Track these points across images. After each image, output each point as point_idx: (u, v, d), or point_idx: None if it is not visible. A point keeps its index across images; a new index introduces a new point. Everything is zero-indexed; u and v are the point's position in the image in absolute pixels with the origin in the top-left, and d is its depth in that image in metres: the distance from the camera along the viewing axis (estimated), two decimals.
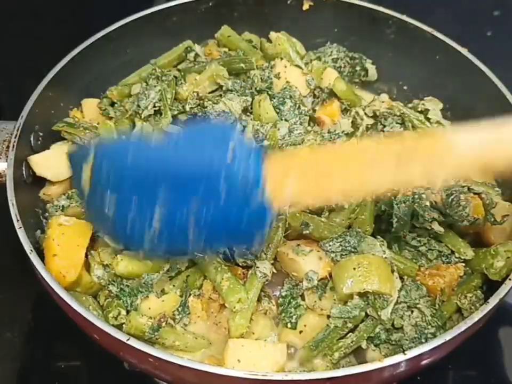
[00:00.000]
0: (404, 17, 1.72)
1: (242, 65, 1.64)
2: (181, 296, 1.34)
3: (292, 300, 1.35)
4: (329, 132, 1.58)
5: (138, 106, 1.58)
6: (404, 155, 1.05)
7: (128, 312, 1.30)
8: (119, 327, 1.24)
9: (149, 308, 1.32)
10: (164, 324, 1.26)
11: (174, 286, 1.35)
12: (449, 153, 1.04)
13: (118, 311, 1.29)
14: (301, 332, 1.33)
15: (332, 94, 1.66)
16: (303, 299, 1.36)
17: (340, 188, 1.09)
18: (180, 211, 1.14)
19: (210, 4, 1.78)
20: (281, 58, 1.66)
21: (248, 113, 1.59)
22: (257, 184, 1.09)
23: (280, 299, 1.36)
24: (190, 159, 1.14)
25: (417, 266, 1.36)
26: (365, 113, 1.62)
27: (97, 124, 1.61)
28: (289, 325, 1.33)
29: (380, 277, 1.25)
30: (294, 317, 1.33)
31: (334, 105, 1.65)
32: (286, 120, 1.57)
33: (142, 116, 1.58)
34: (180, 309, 1.32)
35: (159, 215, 1.15)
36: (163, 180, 1.14)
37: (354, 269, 1.26)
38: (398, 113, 1.58)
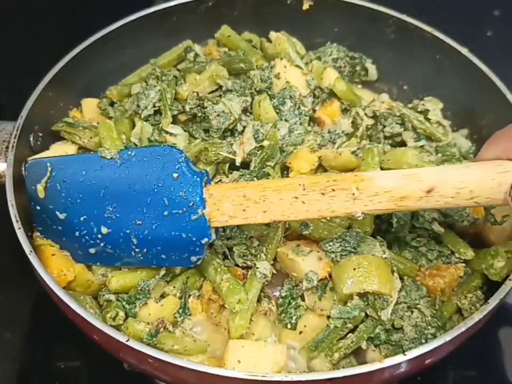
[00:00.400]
0: (404, 17, 1.72)
1: (242, 65, 1.63)
2: (180, 298, 1.34)
3: (291, 301, 1.35)
4: (329, 132, 1.58)
5: (138, 106, 1.58)
6: (329, 186, 1.15)
7: (127, 316, 1.31)
8: (117, 328, 1.24)
9: (149, 314, 1.32)
10: (161, 329, 1.26)
11: (174, 287, 1.35)
12: (369, 185, 1.14)
13: (116, 312, 1.29)
14: (300, 332, 1.33)
15: (332, 94, 1.66)
16: (303, 300, 1.36)
17: (270, 215, 1.18)
18: (126, 225, 1.24)
19: (210, 4, 1.78)
20: (281, 58, 1.66)
21: (248, 114, 1.59)
22: (198, 205, 1.19)
23: (280, 300, 1.36)
24: (138, 178, 1.23)
25: (417, 267, 1.36)
26: (365, 114, 1.62)
27: (97, 123, 1.61)
28: (289, 326, 1.33)
29: (380, 278, 1.25)
30: (294, 317, 1.33)
31: (334, 105, 1.65)
32: (286, 120, 1.57)
33: (142, 116, 1.58)
34: (180, 311, 1.32)
35: (107, 229, 1.25)
36: (111, 198, 1.24)
37: (354, 269, 1.26)
38: (398, 114, 1.58)
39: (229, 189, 1.21)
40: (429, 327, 1.26)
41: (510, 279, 1.23)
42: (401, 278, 1.32)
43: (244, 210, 1.18)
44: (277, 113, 1.57)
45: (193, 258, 1.25)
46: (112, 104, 1.70)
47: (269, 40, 1.76)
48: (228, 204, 1.19)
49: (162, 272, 1.35)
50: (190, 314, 1.33)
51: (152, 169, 1.22)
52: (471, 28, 2.10)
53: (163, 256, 1.27)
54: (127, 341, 1.10)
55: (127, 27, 1.69)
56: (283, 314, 1.34)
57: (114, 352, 1.24)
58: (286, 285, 1.37)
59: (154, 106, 1.59)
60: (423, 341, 1.25)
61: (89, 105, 1.69)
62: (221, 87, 1.59)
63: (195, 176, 1.21)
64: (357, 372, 1.08)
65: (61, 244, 1.34)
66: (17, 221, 1.27)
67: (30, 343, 1.51)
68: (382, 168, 1.47)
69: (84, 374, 1.48)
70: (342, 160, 1.49)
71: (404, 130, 1.58)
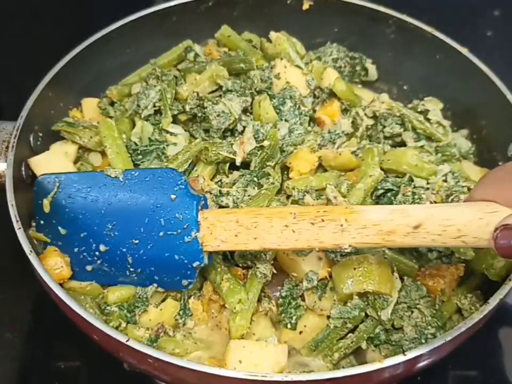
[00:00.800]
0: (404, 17, 1.72)
1: (242, 65, 1.63)
2: (179, 300, 1.34)
3: (292, 301, 1.35)
4: (329, 132, 1.58)
5: (138, 106, 1.58)
6: (319, 216, 1.16)
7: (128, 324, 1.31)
8: None
9: (150, 320, 1.33)
10: (162, 334, 1.27)
11: None
12: (358, 218, 1.14)
13: (118, 322, 1.29)
14: (301, 332, 1.33)
15: (332, 94, 1.66)
16: (303, 300, 1.36)
17: (261, 242, 1.19)
18: (123, 243, 1.27)
19: (210, 4, 1.78)
20: (281, 59, 1.66)
21: (248, 114, 1.59)
22: (192, 227, 1.22)
23: (280, 299, 1.36)
24: (138, 197, 1.26)
25: (417, 267, 1.36)
26: (365, 114, 1.62)
27: (97, 123, 1.61)
28: (289, 326, 1.33)
29: (380, 277, 1.25)
30: (294, 317, 1.33)
31: (334, 105, 1.64)
32: (286, 120, 1.57)
33: (142, 116, 1.58)
34: (180, 313, 1.33)
35: (105, 246, 1.28)
36: (112, 216, 1.27)
37: (354, 269, 1.26)
38: (397, 114, 1.58)
39: (223, 213, 1.23)
40: (429, 327, 1.26)
41: (510, 279, 1.23)
42: (401, 278, 1.32)
43: (236, 236, 1.19)
44: (277, 113, 1.57)
45: (185, 282, 1.27)
46: (112, 103, 1.69)
47: (269, 40, 1.76)
48: (221, 228, 1.20)
49: None
50: (191, 315, 1.33)
51: (152, 189, 1.26)
52: (471, 27, 2.10)
53: (156, 277, 1.30)
54: (127, 341, 1.10)
55: (127, 27, 1.69)
56: (283, 314, 1.34)
57: (114, 352, 1.24)
58: (286, 285, 1.37)
59: (154, 106, 1.58)
60: (423, 341, 1.25)
61: (90, 104, 1.69)
62: (221, 87, 1.59)
63: (192, 199, 1.24)
64: (357, 372, 1.07)
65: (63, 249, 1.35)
66: (17, 221, 1.27)
67: (30, 343, 1.51)
68: (382, 168, 1.47)
69: (84, 374, 1.48)
70: (342, 160, 1.49)
71: (404, 130, 1.58)
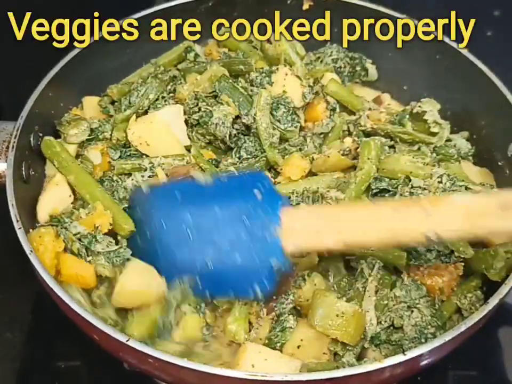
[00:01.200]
0: (404, 17, 1.71)
1: (241, 67, 1.64)
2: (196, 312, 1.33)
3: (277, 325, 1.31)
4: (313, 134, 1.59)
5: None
6: (402, 204, 1.17)
7: None
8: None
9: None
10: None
11: (189, 305, 1.33)
12: (444, 201, 1.13)
13: None
14: (299, 346, 1.28)
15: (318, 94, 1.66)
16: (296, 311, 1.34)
17: (343, 236, 1.17)
18: (205, 248, 1.26)
19: (210, 4, 1.78)
20: (285, 65, 1.65)
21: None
22: (275, 226, 1.21)
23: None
24: (225, 200, 1.28)
25: (404, 254, 1.34)
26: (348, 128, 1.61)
27: (98, 121, 1.61)
28: (277, 346, 1.29)
29: (355, 331, 1.23)
30: (282, 340, 1.29)
31: (320, 106, 1.64)
32: (278, 121, 1.57)
33: None
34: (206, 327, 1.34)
35: (189, 254, 1.28)
36: (197, 221, 1.27)
37: (337, 315, 1.23)
38: (382, 133, 1.55)
39: (305, 211, 1.26)
40: (429, 327, 1.26)
41: (510, 279, 1.23)
42: (397, 273, 1.32)
43: (317, 232, 1.19)
44: (272, 115, 1.57)
45: (258, 287, 1.24)
46: (112, 102, 1.69)
47: (269, 41, 1.76)
48: (302, 227, 1.20)
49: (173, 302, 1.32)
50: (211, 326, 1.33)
51: (239, 192, 1.29)
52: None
53: (231, 281, 1.28)
54: (127, 340, 1.10)
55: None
56: (272, 337, 1.30)
57: (114, 352, 1.24)
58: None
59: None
60: (423, 340, 1.25)
61: (90, 103, 1.69)
62: None
63: (276, 198, 1.26)
64: (357, 372, 1.07)
65: (147, 260, 1.34)
66: (17, 221, 1.27)
67: (30, 343, 1.51)
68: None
69: (84, 374, 1.49)
70: (332, 161, 1.48)
71: (395, 143, 1.56)
